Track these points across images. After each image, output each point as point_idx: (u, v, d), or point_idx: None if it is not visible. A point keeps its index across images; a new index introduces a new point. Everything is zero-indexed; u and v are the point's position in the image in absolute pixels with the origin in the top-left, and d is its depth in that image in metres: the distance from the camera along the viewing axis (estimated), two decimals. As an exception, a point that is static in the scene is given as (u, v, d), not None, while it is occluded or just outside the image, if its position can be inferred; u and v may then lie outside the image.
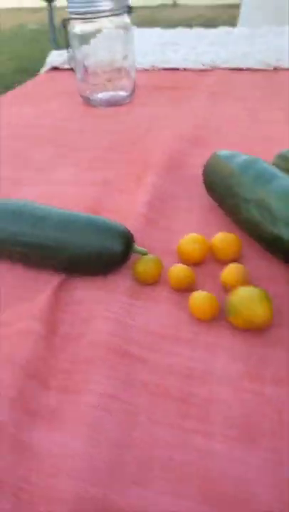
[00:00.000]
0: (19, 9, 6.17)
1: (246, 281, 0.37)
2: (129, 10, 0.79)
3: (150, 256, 0.40)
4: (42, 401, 0.31)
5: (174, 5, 6.06)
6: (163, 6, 5.90)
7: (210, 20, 4.90)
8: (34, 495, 0.26)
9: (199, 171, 0.58)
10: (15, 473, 0.27)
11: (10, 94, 0.97)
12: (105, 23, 0.77)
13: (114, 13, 0.76)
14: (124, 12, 0.78)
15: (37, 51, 4.23)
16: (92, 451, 0.27)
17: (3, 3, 6.21)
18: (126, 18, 0.79)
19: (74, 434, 0.28)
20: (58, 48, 3.88)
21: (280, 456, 0.27)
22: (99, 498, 0.25)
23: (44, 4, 4.13)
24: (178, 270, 0.38)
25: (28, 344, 0.34)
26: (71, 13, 0.76)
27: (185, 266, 0.39)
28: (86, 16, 0.75)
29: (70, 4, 0.76)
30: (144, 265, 0.39)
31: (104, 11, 0.75)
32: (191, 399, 0.30)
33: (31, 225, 0.39)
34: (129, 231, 0.40)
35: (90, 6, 0.74)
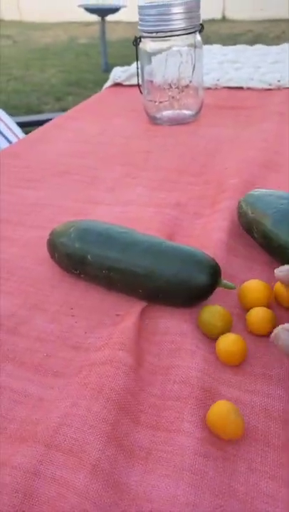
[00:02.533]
0: (71, 23, 6.36)
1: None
2: (201, 28, 0.78)
3: (217, 307, 0.37)
4: (135, 438, 0.30)
5: (223, 19, 6.08)
6: (212, 20, 5.93)
7: (259, 35, 4.87)
8: None
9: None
10: (114, 515, 0.26)
11: (74, 110, 0.99)
12: (176, 41, 0.78)
13: (186, 31, 0.76)
14: (196, 30, 0.77)
15: (86, 64, 4.34)
16: (195, 500, 0.26)
17: (56, 18, 6.43)
18: (197, 37, 0.79)
19: (173, 479, 0.27)
20: (107, 61, 3.98)
21: None
22: None
23: (95, 19, 4.25)
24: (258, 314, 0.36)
25: (119, 375, 0.33)
26: (142, 31, 0.77)
27: (265, 309, 0.37)
28: (158, 35, 0.76)
29: (141, 22, 0.76)
30: (211, 315, 0.37)
31: (176, 30, 0.75)
32: (293, 448, 0.29)
33: (120, 250, 0.39)
34: (216, 263, 0.39)
35: (162, 25, 0.74)
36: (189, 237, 0.50)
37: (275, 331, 0.31)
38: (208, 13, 5.83)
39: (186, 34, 0.75)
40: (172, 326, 0.38)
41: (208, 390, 0.33)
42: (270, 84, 0.98)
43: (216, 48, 1.35)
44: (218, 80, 1.03)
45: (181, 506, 0.26)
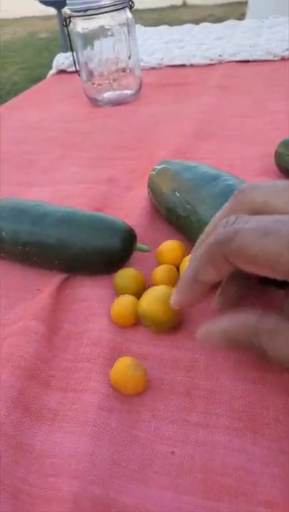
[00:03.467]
0: (29, 18, 6.25)
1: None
2: (131, 4, 0.78)
3: (130, 270, 0.38)
4: (43, 401, 0.30)
5: (184, 5, 6.04)
6: (172, 7, 5.89)
7: (220, 19, 4.87)
8: (34, 496, 0.25)
9: (205, 163, 0.57)
10: (14, 474, 0.26)
11: (17, 98, 0.98)
12: (107, 21, 0.77)
13: (116, 7, 0.75)
14: (126, 6, 0.77)
15: (48, 60, 4.29)
16: (94, 450, 0.27)
17: (13, 13, 6.30)
18: (128, 14, 0.78)
19: (76, 434, 0.28)
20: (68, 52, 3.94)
21: (284, 444, 0.26)
22: (99, 497, 0.24)
23: (54, 12, 4.18)
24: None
25: (29, 344, 0.33)
26: (72, 10, 0.76)
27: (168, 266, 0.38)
28: (87, 13, 0.75)
29: (69, 1, 0.75)
30: (123, 279, 0.37)
31: (105, 7, 0.74)
32: (195, 392, 0.29)
33: (32, 223, 0.39)
34: (131, 228, 0.39)
35: (90, 2, 0.74)
36: (118, 209, 0.50)
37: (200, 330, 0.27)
38: (169, -1, 5.81)
39: (116, 10, 0.75)
40: (91, 293, 0.38)
41: (118, 349, 0.33)
42: (211, 60, 0.98)
43: (163, 28, 1.34)
44: (161, 59, 1.03)
45: (80, 456, 0.26)
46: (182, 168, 0.43)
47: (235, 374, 0.30)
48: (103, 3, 0.73)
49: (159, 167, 0.46)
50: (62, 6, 3.88)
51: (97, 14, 0.75)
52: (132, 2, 0.78)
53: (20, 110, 0.89)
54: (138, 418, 0.29)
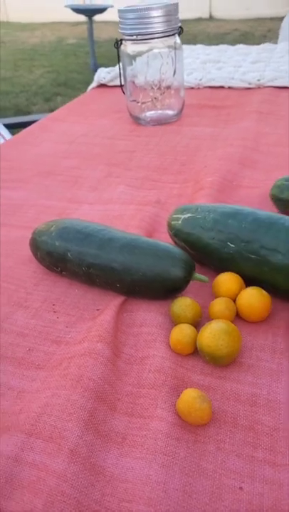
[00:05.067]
0: (59, 23, 6.34)
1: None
2: (180, 30, 0.80)
3: (186, 299, 0.39)
4: (112, 424, 0.32)
5: (210, 18, 6.10)
6: (199, 19, 5.94)
7: (246, 34, 4.90)
8: (109, 519, 0.27)
9: (252, 192, 0.59)
10: (91, 496, 0.27)
11: (60, 110, 1.00)
12: (157, 44, 0.79)
13: (166, 34, 0.77)
14: (176, 33, 0.79)
15: (74, 65, 4.34)
16: (166, 479, 0.28)
17: (44, 18, 6.39)
18: (177, 39, 0.80)
19: (146, 461, 0.29)
20: (95, 61, 3.99)
21: None
22: (174, 527, 0.26)
23: (83, 19, 4.25)
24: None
25: (96, 366, 0.34)
26: (124, 34, 0.78)
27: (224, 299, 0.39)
28: (138, 38, 0.77)
29: (121, 26, 0.78)
30: (180, 308, 0.38)
31: (156, 33, 0.76)
32: (258, 427, 0.31)
33: (98, 247, 0.40)
34: (190, 258, 0.41)
35: (142, 28, 0.76)
36: (167, 233, 0.52)
37: None
38: (196, 11, 5.86)
39: (166, 37, 0.77)
40: (149, 318, 0.40)
41: (181, 378, 0.34)
42: (249, 84, 1.00)
43: (199, 48, 1.37)
44: (200, 80, 1.05)
45: (153, 485, 0.28)
46: (222, 215, 0.42)
47: (296, 412, 0.31)
48: (154, 30, 0.75)
49: (183, 216, 0.45)
50: (93, 14, 3.95)
51: (148, 39, 0.77)
52: (182, 28, 0.80)
53: (64, 122, 0.91)
54: (204, 449, 0.30)
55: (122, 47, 0.81)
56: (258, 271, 0.39)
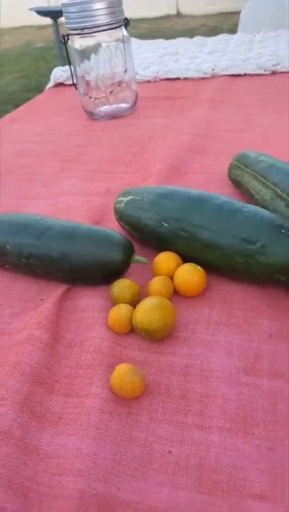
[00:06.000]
0: (26, 27, 6.30)
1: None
2: (126, 23, 0.81)
3: (125, 281, 0.40)
4: (48, 405, 0.32)
5: (178, 15, 6.11)
6: (167, 16, 5.96)
7: (213, 29, 4.93)
8: (41, 493, 0.27)
9: (200, 177, 0.60)
10: (23, 474, 0.28)
11: (17, 111, 1.00)
12: (104, 37, 0.80)
13: (112, 26, 0.78)
14: (121, 25, 0.80)
15: (44, 69, 4.32)
16: (97, 450, 0.29)
17: (10, 22, 6.34)
18: (124, 31, 0.81)
19: (79, 436, 0.30)
20: (65, 64, 3.98)
21: (272, 443, 0.28)
22: (102, 493, 0.27)
23: (49, 21, 4.23)
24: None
25: (34, 352, 0.35)
26: (69, 28, 0.79)
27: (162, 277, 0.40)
28: (84, 32, 0.78)
29: (67, 20, 0.78)
30: (118, 289, 0.39)
31: (101, 25, 0.77)
32: (190, 395, 0.32)
33: (35, 237, 0.41)
34: (129, 241, 0.42)
35: (87, 21, 0.76)
36: (115, 221, 0.53)
37: None
38: (163, 9, 5.87)
39: (111, 29, 0.78)
40: (91, 303, 0.40)
41: (118, 356, 0.35)
42: (204, 73, 1.01)
43: (158, 42, 1.38)
44: (157, 73, 1.06)
45: (84, 457, 0.28)
46: (158, 196, 0.43)
47: (228, 379, 0.32)
48: (99, 22, 0.76)
49: (125, 198, 0.46)
50: (58, 16, 3.93)
51: (94, 32, 0.77)
52: (128, 20, 0.81)
53: (20, 123, 0.92)
54: (137, 420, 0.31)
55: (70, 42, 0.81)
56: (190, 248, 0.40)
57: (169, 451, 0.28)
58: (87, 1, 0.74)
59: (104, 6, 0.75)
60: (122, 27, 0.80)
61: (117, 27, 0.79)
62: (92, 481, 0.27)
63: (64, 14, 0.78)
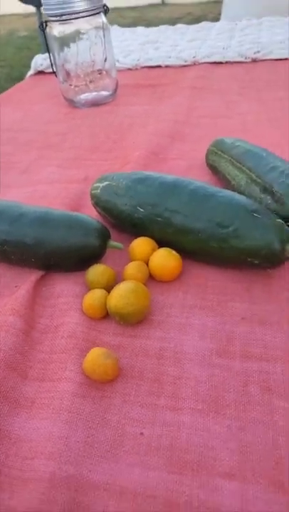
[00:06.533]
0: (9, 15, 6.19)
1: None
2: (106, 9, 0.80)
3: (100, 266, 0.39)
4: (21, 391, 0.32)
5: (163, 3, 6.06)
6: (152, 5, 5.90)
7: (198, 17, 4.90)
8: (12, 477, 0.27)
9: (178, 163, 0.59)
10: (-7, 457, 0.28)
11: (-4, 100, 0.98)
12: (83, 25, 0.79)
13: (90, 13, 0.77)
14: (101, 12, 0.79)
15: (28, 58, 4.26)
16: (68, 433, 0.29)
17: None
18: (103, 18, 0.80)
19: (51, 420, 0.30)
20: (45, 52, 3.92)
21: (242, 423, 0.28)
22: (73, 475, 0.27)
23: (33, 9, 4.16)
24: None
25: (7, 338, 0.35)
26: (48, 15, 0.78)
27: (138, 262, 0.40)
28: (62, 18, 0.77)
29: (45, 7, 0.77)
30: (93, 274, 0.39)
31: (79, 12, 0.76)
32: (163, 378, 0.32)
33: (9, 223, 0.40)
34: (104, 226, 0.41)
35: (65, 8, 0.75)
36: (93, 209, 0.52)
37: None
38: (147, -3, 5.81)
39: (90, 16, 0.77)
40: (66, 289, 0.40)
41: (92, 341, 0.35)
42: (185, 61, 1.00)
43: (139, 29, 1.36)
44: (138, 61, 1.05)
45: (55, 440, 0.28)
46: (133, 181, 0.43)
47: (200, 361, 0.33)
48: (78, 8, 0.75)
49: (101, 184, 0.46)
50: (41, 4, 3.87)
51: (73, 19, 0.76)
52: (107, 7, 0.80)
53: (1, 111, 0.90)
54: (110, 403, 0.31)
55: (48, 29, 0.80)
56: (165, 233, 0.40)
57: (141, 433, 0.29)
58: (66, -13, 0.73)
59: (82, -8, 0.74)
60: (102, 14, 0.79)
61: (96, 13, 0.77)
62: (64, 464, 0.27)
63: (42, 1, 0.76)
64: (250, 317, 0.36)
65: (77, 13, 0.76)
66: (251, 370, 0.32)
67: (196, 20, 1.35)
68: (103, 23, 0.80)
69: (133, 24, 1.41)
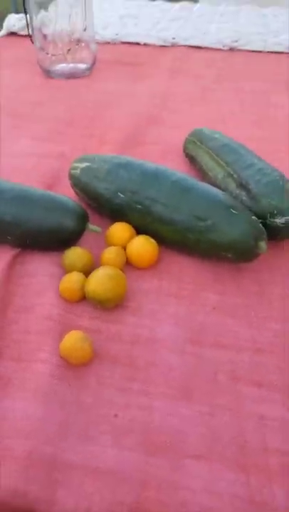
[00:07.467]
0: None
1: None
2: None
3: (77, 249, 0.40)
4: (-5, 369, 0.32)
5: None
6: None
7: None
8: (-13, 455, 0.28)
9: (155, 148, 0.60)
10: None
11: None
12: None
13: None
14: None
15: (-7, 11, 3.99)
16: (45, 414, 0.29)
17: None
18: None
19: (28, 400, 0.30)
20: (17, 11, 3.69)
21: (213, 409, 0.30)
22: (50, 455, 0.27)
23: None
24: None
25: (-18, 315, 0.35)
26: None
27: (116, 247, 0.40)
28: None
29: None
30: (71, 257, 0.39)
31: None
32: (137, 363, 0.33)
33: (-15, 200, 0.39)
34: (83, 209, 0.41)
35: None
36: (68, 187, 0.52)
37: None
38: None
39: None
40: (41, 268, 0.40)
41: (68, 324, 0.36)
42: (164, 42, 0.99)
43: (119, 0, 1.32)
44: (116, 35, 1.02)
45: (33, 420, 0.29)
46: (114, 166, 0.43)
47: (173, 348, 0.34)
48: None
49: (81, 165, 0.45)
50: None
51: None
52: None
53: None
54: (85, 385, 0.32)
55: (27, -10, 0.76)
56: (144, 221, 0.40)
57: (115, 415, 0.30)
58: None
59: None
60: (84, -20, 0.76)
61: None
62: (41, 444, 0.28)
63: None
64: (221, 307, 0.38)
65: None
66: (220, 359, 0.34)
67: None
68: (85, -11, 0.77)
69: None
